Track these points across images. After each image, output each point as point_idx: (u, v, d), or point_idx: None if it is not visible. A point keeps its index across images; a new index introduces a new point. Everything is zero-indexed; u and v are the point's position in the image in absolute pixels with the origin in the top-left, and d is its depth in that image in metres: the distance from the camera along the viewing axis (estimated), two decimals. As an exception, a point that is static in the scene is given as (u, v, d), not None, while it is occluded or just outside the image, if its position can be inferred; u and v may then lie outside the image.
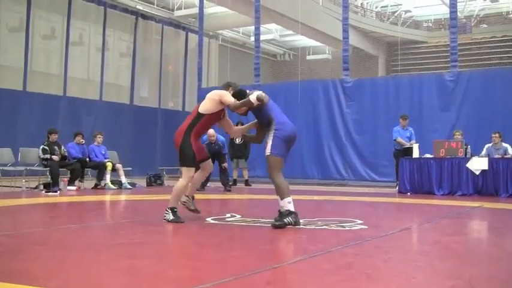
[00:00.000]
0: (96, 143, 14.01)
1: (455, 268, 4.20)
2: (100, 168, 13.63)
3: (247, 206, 10.06)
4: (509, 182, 12.07)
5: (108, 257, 4.39)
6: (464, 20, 34.01)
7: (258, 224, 6.51)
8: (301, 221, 6.56)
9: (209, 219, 6.85)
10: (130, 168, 15.59)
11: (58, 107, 18.26)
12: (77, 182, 13.03)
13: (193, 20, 24.22)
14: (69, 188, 12.62)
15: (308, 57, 35.54)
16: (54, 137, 12.88)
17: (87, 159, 13.59)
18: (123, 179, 13.81)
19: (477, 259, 4.73)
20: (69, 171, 13.11)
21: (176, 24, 24.46)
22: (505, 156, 12.37)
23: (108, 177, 13.62)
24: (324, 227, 6.28)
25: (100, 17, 20.39)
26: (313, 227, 6.29)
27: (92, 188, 13.39)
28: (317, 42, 32.94)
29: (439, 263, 4.38)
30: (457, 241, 5.70)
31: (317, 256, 4.49)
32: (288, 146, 6.59)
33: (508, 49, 31.01)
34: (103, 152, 14.02)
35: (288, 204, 6.23)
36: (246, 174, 15.64)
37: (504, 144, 12.60)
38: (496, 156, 12.42)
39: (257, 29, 18.78)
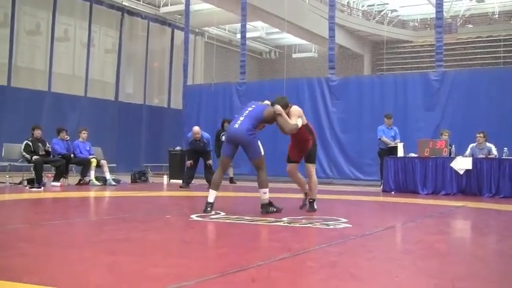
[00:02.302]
0: (80, 139, 13.94)
1: (438, 267, 4.23)
2: (84, 165, 13.58)
3: (231, 204, 10.04)
4: (493, 181, 12.16)
5: (92, 254, 4.37)
6: (450, 20, 34.18)
7: (242, 222, 6.51)
8: (285, 219, 6.60)
9: (193, 217, 6.84)
10: (115, 165, 15.55)
11: (43, 102, 18.16)
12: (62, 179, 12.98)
13: (179, 16, 24.19)
14: (53, 184, 12.56)
15: (294, 55, 35.59)
16: (38, 133, 12.80)
17: (72, 155, 13.52)
18: (108, 176, 13.76)
19: (460, 258, 4.76)
20: (53, 167, 13.04)
21: (162, 21, 24.39)
22: (489, 156, 12.46)
23: (92, 173, 13.56)
24: (309, 225, 6.29)
25: (86, 12, 20.29)
26: (298, 225, 6.30)
27: (76, 184, 13.33)
28: (303, 41, 33.00)
29: (422, 262, 4.40)
30: (440, 240, 5.74)
31: (301, 254, 4.50)
32: (231, 146, 7.43)
33: (492, 49, 31.22)
34: (88, 148, 13.96)
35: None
36: (231, 172, 15.62)
37: (488, 144, 12.68)
38: (480, 156, 12.50)
39: (243, 26, 18.76)
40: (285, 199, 9.43)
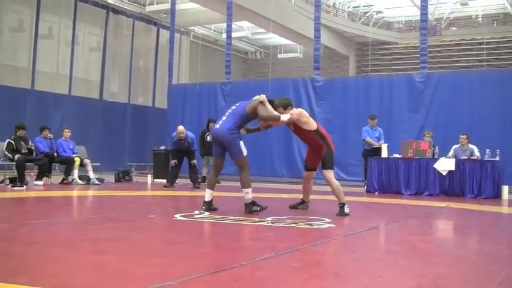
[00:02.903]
0: (63, 138, 13.85)
1: (420, 267, 4.25)
2: (68, 163, 13.50)
3: (216, 203, 10.03)
4: (475, 183, 12.27)
5: (75, 253, 4.35)
6: (434, 22, 34.36)
7: (226, 221, 6.51)
8: (269, 218, 6.62)
9: (177, 216, 6.83)
10: (98, 164, 15.46)
11: (26, 100, 18.00)
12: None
13: (165, 15, 24.10)
14: (36, 183, 12.48)
15: (279, 56, 35.60)
16: (21, 133, 12.71)
17: (55, 154, 13.43)
18: (91, 175, 13.69)
19: (442, 258, 4.79)
20: (36, 166, 12.95)
21: (147, 20, 24.29)
22: (472, 157, 12.56)
23: (76, 172, 13.49)
24: (293, 225, 6.31)
25: (70, 10, 20.14)
26: (282, 225, 6.31)
27: (60, 183, 13.25)
28: (288, 41, 33.02)
29: (405, 262, 4.43)
30: (423, 240, 5.77)
31: (285, 254, 4.50)
32: (216, 145, 7.59)
33: (476, 52, 31.41)
34: (71, 147, 13.87)
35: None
36: (215, 172, 15.60)
37: (471, 146, 12.78)
38: (463, 157, 12.60)
39: (229, 26, 18.73)
40: (270, 199, 9.45)
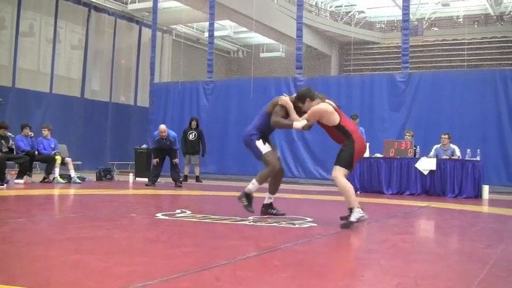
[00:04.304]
0: (43, 136, 13.74)
1: (401, 266, 4.28)
2: (49, 162, 13.39)
3: (197, 202, 10.02)
4: (456, 182, 12.37)
5: (56, 252, 4.32)
6: (416, 22, 34.58)
7: (207, 220, 6.50)
8: (251, 218, 6.62)
9: (159, 215, 6.81)
10: (80, 162, 15.38)
11: (7, 98, 17.84)
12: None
13: (147, 14, 24.00)
14: (16, 181, 12.38)
15: (262, 55, 35.61)
16: (2, 132, 12.60)
17: (36, 152, 13.33)
18: (73, 173, 13.60)
19: (423, 257, 4.81)
20: (17, 165, 12.83)
21: (129, 18, 24.19)
22: (452, 157, 12.65)
23: (57, 171, 13.39)
24: (274, 224, 6.31)
25: (52, 7, 20.03)
26: (264, 224, 6.32)
27: (40, 181, 13.14)
28: (271, 40, 33.03)
29: (386, 261, 4.44)
30: (404, 240, 5.80)
31: (267, 253, 4.50)
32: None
33: (457, 52, 31.61)
34: (52, 146, 13.77)
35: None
36: (197, 171, 15.59)
37: (452, 146, 12.87)
38: (444, 157, 12.68)
39: (211, 25, 18.72)
40: (254, 199, 9.43)
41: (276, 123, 6.79)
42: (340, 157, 6.46)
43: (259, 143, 6.96)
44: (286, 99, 6.81)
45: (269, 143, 7.11)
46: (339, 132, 6.53)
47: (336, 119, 6.48)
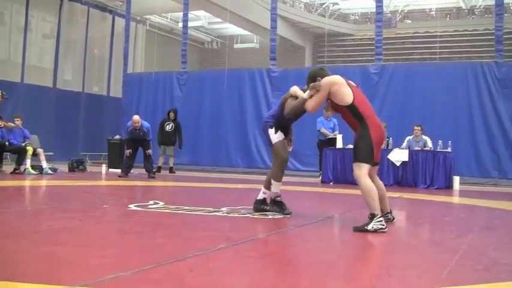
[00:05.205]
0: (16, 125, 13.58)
1: (374, 256, 4.32)
2: (20, 153, 13.24)
3: (170, 194, 10.00)
4: (428, 173, 12.50)
5: (27, 244, 4.28)
6: (389, 14, 34.74)
7: (181, 212, 6.49)
8: (224, 209, 6.63)
9: (132, 206, 6.78)
10: (51, 153, 15.25)
11: (-24, 88, 17.60)
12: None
13: (121, 3, 23.79)
14: (-14, 172, 12.25)
15: (236, 46, 35.52)
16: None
17: (6, 143, 13.17)
18: (44, 164, 13.47)
19: (395, 247, 4.87)
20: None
21: (103, 7, 23.93)
22: (424, 148, 12.78)
23: (28, 162, 13.24)
24: (247, 215, 6.32)
25: (23, -4, 19.77)
26: (237, 215, 6.33)
27: (11, 172, 12.99)
28: (245, 31, 32.99)
29: (359, 252, 4.49)
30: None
31: (240, 244, 4.52)
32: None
33: (429, 45, 31.84)
34: (23, 136, 13.61)
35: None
36: (171, 162, 15.55)
37: (424, 137, 13.01)
38: (416, 148, 12.81)
39: (185, 15, 18.64)
40: (227, 190, 9.45)
41: (289, 112, 6.41)
42: (358, 151, 5.74)
43: (271, 131, 6.69)
44: (295, 88, 6.58)
45: (285, 134, 6.85)
46: (352, 116, 5.89)
47: (348, 96, 5.83)
